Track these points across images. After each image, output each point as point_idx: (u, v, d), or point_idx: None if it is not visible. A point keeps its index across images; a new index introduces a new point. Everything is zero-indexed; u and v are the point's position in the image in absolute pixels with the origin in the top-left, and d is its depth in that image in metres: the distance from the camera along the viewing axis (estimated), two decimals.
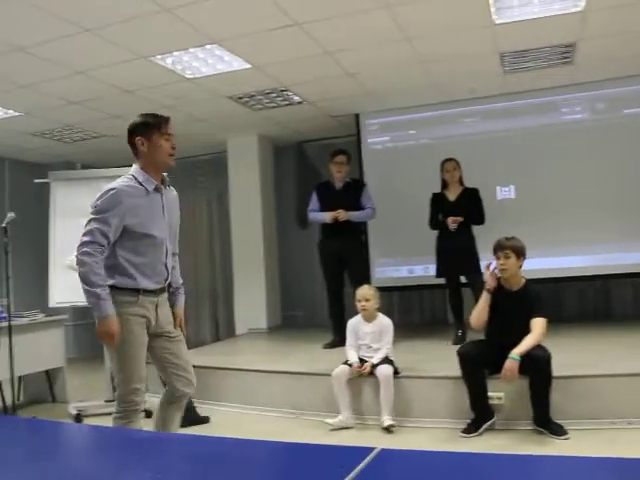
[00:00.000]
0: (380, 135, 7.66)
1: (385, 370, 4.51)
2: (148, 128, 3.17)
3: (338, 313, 6.28)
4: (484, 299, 4.34)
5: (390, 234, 7.23)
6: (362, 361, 4.67)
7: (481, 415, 4.20)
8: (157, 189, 3.23)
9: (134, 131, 3.19)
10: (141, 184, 3.15)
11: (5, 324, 5.10)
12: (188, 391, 3.39)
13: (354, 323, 4.88)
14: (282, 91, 6.42)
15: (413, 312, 8.25)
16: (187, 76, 5.77)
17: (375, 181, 7.37)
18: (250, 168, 8.38)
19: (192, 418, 4.91)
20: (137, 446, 1.62)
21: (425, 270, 7.11)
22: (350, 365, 4.65)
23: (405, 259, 7.35)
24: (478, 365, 4.22)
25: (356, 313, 4.90)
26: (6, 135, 7.59)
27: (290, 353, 6.28)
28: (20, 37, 4.73)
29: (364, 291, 4.88)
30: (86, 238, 3.01)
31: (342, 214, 6.11)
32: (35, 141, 7.95)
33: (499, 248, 4.29)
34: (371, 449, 1.15)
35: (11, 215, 5.14)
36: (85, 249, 2.99)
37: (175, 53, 5.24)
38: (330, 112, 7.38)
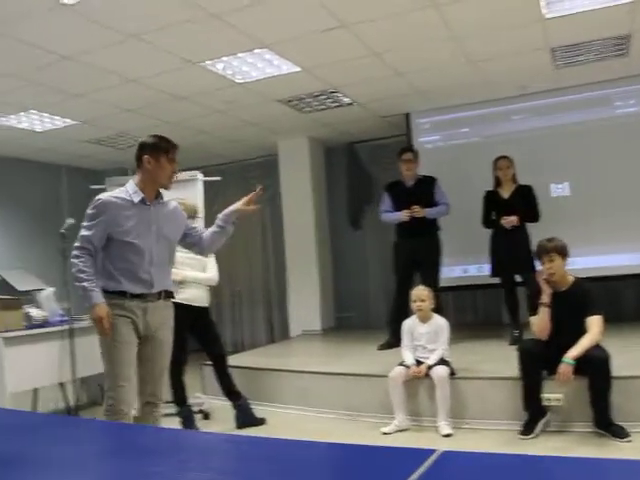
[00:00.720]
0: (431, 134, 7.60)
1: (440, 371, 4.47)
2: (158, 150, 3.43)
3: (400, 315, 6.21)
4: (544, 312, 4.19)
5: (443, 234, 7.15)
6: (418, 362, 4.64)
7: (534, 414, 4.12)
8: (144, 201, 3.42)
9: (144, 148, 3.45)
10: (130, 196, 3.40)
11: (67, 327, 5.23)
12: (152, 400, 3.65)
13: (410, 324, 4.85)
14: (331, 93, 6.43)
15: (467, 312, 8.17)
16: (237, 81, 5.83)
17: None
18: (301, 170, 8.41)
19: (248, 420, 4.96)
20: (195, 447, 1.63)
21: (479, 269, 7.04)
22: (407, 367, 4.62)
23: (459, 259, 7.26)
24: (537, 363, 4.14)
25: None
26: (63, 143, 7.80)
27: (345, 354, 6.28)
28: (74, 47, 4.85)
29: (419, 291, 4.84)
30: (75, 244, 3.36)
31: (419, 211, 6.01)
32: (90, 148, 8.14)
33: (543, 252, 4.16)
34: (432, 451, 1.15)
35: (70, 221, 5.26)
36: (74, 252, 3.33)
37: (225, 58, 5.31)
38: (380, 112, 7.36)
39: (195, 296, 4.93)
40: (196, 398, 5.49)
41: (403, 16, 4.62)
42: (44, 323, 5.49)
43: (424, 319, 4.78)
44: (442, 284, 7.24)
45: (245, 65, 5.49)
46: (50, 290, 5.82)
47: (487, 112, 7.20)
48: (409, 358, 4.67)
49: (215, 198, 9.52)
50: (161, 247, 3.50)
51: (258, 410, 5.11)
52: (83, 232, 3.35)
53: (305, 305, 8.29)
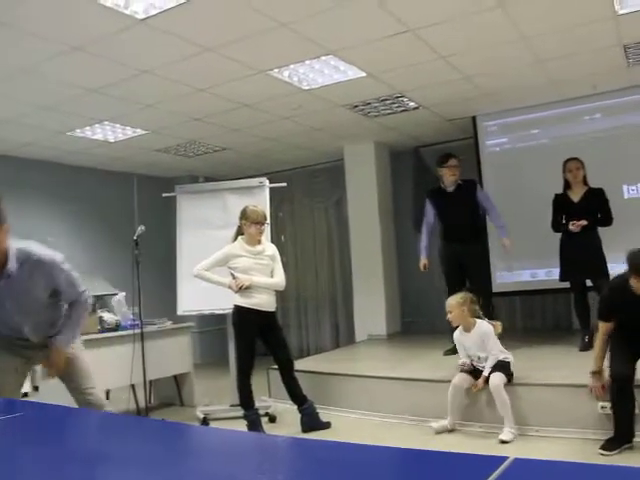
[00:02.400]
0: (498, 137, 7.47)
1: (494, 380, 4.45)
2: None
3: None
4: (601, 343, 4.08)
5: (510, 238, 7.04)
6: (476, 371, 4.64)
7: (624, 435, 3.92)
8: None
9: None
10: None
11: (138, 331, 5.36)
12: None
13: (457, 337, 4.86)
14: (397, 97, 6.41)
15: (536, 317, 8.01)
16: (304, 87, 5.87)
17: (494, 183, 7.23)
18: (367, 174, 8.41)
19: (314, 424, 4.98)
20: (264, 450, 1.64)
21: (548, 274, 6.88)
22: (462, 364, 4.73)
23: (527, 263, 7.12)
24: (632, 385, 3.93)
25: None
26: (134, 152, 8.01)
27: (410, 360, 6.24)
28: (146, 60, 4.99)
29: (447, 302, 4.85)
30: None
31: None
32: (160, 157, 8.34)
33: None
34: (504, 458, 1.13)
35: (142, 228, 5.40)
36: None
37: (291, 66, 5.35)
38: (446, 116, 7.29)
39: (263, 301, 4.99)
40: (262, 401, 5.55)
41: (469, 18, 4.56)
42: (116, 327, 5.66)
43: (466, 329, 4.76)
44: (510, 289, 7.14)
45: (311, 72, 5.52)
46: (122, 295, 5.99)
47: (556, 113, 7.01)
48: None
49: (281, 204, 9.64)
50: (25, 308, 3.38)
51: (323, 414, 5.14)
52: None
53: (371, 310, 8.27)
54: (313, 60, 5.25)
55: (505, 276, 7.27)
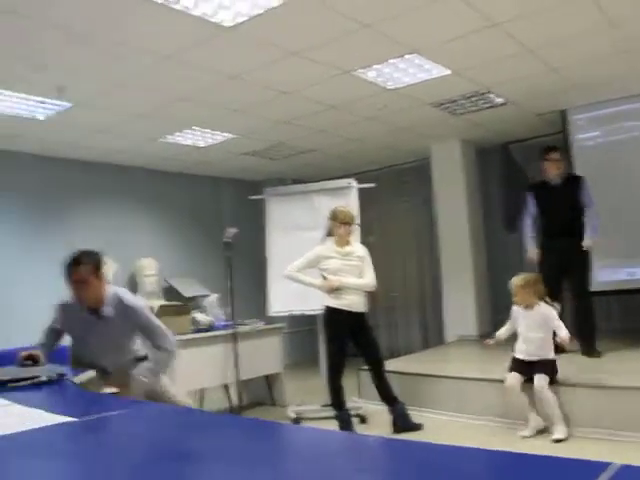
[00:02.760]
0: (590, 130, 7.21)
1: (538, 381, 4.50)
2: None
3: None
4: None
5: (606, 235, 6.78)
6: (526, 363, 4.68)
7: None
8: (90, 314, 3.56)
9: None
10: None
11: (230, 332, 5.48)
12: None
13: (516, 311, 4.92)
14: (483, 94, 6.30)
15: (635, 317, 7.70)
16: (389, 87, 5.86)
17: (587, 178, 7.00)
18: (454, 173, 8.31)
19: (406, 424, 4.96)
20: (358, 450, 1.65)
21: None
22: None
23: (624, 261, 6.86)
24: None
25: None
26: (223, 157, 8.20)
27: (502, 361, 6.10)
28: (234, 66, 5.11)
29: (512, 283, 4.86)
30: None
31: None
32: (248, 160, 8.49)
33: None
34: (606, 464, 1.10)
35: (233, 230, 5.51)
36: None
37: (376, 66, 5.35)
38: (534, 110, 7.11)
39: (353, 302, 5.01)
40: (353, 402, 5.56)
41: (555, 9, 4.43)
42: (209, 327, 5.80)
43: (529, 307, 4.77)
44: (606, 288, 6.88)
45: (396, 71, 5.50)
46: (214, 296, 6.13)
47: None
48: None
49: (369, 204, 9.64)
50: (110, 346, 3.67)
51: (414, 415, 5.10)
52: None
53: (460, 310, 8.16)
54: (397, 59, 5.23)
55: (601, 275, 7.02)
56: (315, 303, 5.35)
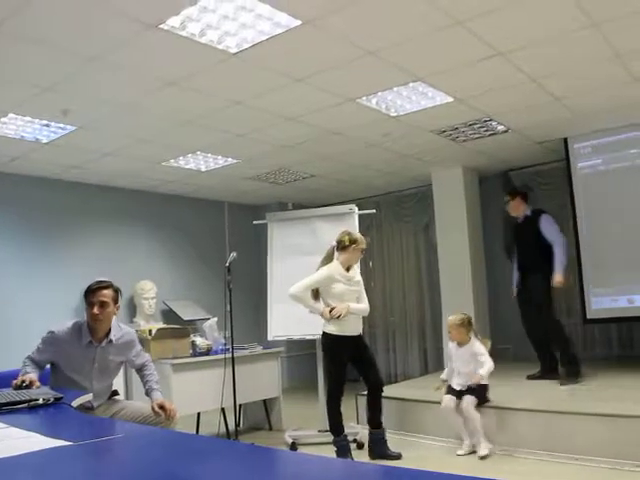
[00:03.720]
0: (591, 158, 7.21)
1: (466, 399, 4.99)
2: (85, 295, 3.79)
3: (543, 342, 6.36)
4: None
5: (606, 262, 6.79)
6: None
7: None
8: (91, 342, 3.75)
9: None
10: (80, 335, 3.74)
11: (229, 356, 5.46)
12: None
13: (451, 348, 5.39)
14: (486, 121, 6.34)
15: (633, 345, 7.67)
16: (391, 114, 5.90)
17: (587, 206, 7.02)
18: (455, 200, 8.32)
19: (384, 452, 4.95)
20: (353, 477, 1.65)
21: None
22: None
23: (623, 288, 6.85)
24: None
25: None
26: (225, 181, 8.23)
27: (501, 387, 6.09)
28: (238, 92, 5.16)
29: (448, 321, 5.37)
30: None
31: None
32: (250, 184, 8.52)
33: None
34: None
35: (233, 254, 5.51)
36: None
37: (379, 93, 5.39)
38: (536, 138, 7.15)
39: (354, 327, 5.03)
40: (351, 428, 5.53)
41: (561, 40, 4.47)
42: (208, 351, 5.78)
43: (461, 344, 5.25)
44: (605, 315, 6.89)
45: (399, 98, 5.54)
46: (213, 320, 6.12)
47: None
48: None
49: (369, 230, 9.67)
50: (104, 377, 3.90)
51: (406, 441, 5.07)
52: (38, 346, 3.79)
53: None
54: (401, 87, 5.27)
55: (600, 302, 7.02)
56: (314, 329, 5.33)
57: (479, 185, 8.69)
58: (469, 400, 4.97)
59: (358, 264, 5.39)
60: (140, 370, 4.04)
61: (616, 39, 4.54)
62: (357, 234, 5.20)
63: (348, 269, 5.10)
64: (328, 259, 5.14)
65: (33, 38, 3.93)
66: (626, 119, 6.55)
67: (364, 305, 5.14)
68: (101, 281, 3.83)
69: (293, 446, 5.51)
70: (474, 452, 4.88)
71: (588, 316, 7.03)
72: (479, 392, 5.04)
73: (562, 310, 8.11)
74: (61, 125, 5.64)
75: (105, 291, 3.75)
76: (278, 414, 6.40)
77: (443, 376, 5.38)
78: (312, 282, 5.02)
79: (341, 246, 5.09)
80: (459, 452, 4.94)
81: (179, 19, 3.84)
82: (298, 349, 8.71)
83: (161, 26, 3.88)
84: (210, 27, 3.99)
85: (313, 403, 6.15)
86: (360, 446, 5.34)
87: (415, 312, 9.42)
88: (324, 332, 5.01)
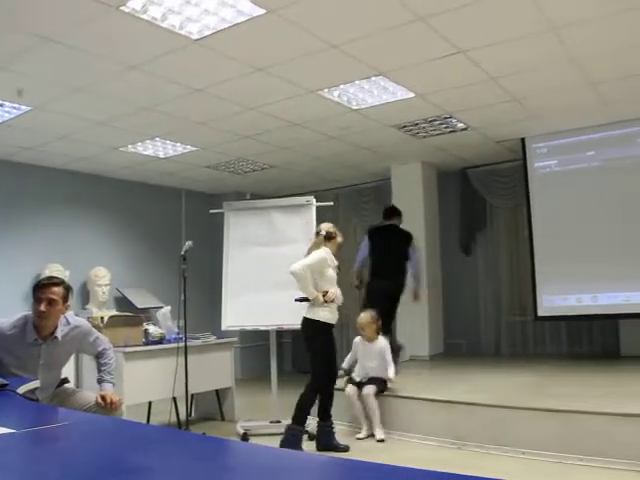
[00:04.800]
0: (547, 159, 7.36)
1: (366, 390, 5.38)
2: (34, 290, 3.61)
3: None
4: None
5: (557, 261, 6.93)
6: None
7: None
8: (36, 340, 3.56)
9: None
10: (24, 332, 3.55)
11: (181, 345, 5.42)
12: None
13: (358, 342, 5.78)
14: (446, 118, 6.40)
15: (582, 343, 7.85)
16: (353, 107, 5.91)
17: (543, 206, 7.15)
18: (414, 195, 8.37)
19: (331, 444, 4.97)
20: (303, 468, 1.64)
21: (593, 299, 6.77)
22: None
23: (573, 287, 7.00)
24: None
25: None
26: (183, 168, 8.15)
27: (452, 382, 6.17)
28: (199, 79, 5.11)
29: (360, 320, 5.75)
30: None
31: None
32: (209, 173, 8.46)
33: None
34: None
35: (189, 243, 5.45)
36: None
37: (341, 86, 5.39)
38: (495, 137, 7.24)
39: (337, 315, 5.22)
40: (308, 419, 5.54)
41: (521, 41, 4.54)
42: (161, 340, 5.72)
43: (370, 340, 5.66)
44: (556, 313, 7.05)
45: (361, 92, 5.56)
46: (167, 308, 6.05)
47: (609, 135, 6.88)
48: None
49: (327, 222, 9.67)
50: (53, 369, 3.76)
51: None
52: None
53: (414, 330, 8.18)
54: (363, 80, 5.28)
55: (551, 300, 7.16)
56: (269, 319, 5.33)
57: (437, 181, 8.76)
58: (369, 390, 5.37)
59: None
60: (97, 357, 3.91)
61: (573, 44, 4.63)
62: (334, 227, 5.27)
63: None
64: (316, 246, 5.11)
65: None
66: (582, 121, 6.69)
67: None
68: (52, 277, 3.71)
69: (244, 437, 5.49)
70: (372, 435, 5.25)
71: (539, 313, 7.17)
72: (379, 383, 5.44)
73: (515, 307, 8.27)
74: (15, 105, 5.51)
75: (55, 288, 3.57)
76: (230, 405, 6.36)
77: (345, 365, 5.78)
78: (312, 262, 4.96)
79: (329, 236, 5.11)
80: (359, 436, 5.27)
81: (140, 2, 3.79)
82: (252, 340, 8.69)
83: (122, 8, 3.82)
84: (172, 12, 3.94)
85: (266, 394, 6.14)
86: (311, 437, 5.35)
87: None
88: (312, 319, 4.97)
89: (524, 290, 7.92)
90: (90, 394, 3.80)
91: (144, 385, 5.36)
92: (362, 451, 4.87)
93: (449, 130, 6.83)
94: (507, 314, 8.40)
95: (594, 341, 7.76)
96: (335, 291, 5.01)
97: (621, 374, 6.05)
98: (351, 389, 5.50)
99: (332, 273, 5.05)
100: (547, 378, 6.10)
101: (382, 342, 5.63)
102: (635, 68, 5.18)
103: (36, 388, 3.36)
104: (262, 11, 3.96)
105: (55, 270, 6.99)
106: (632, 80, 5.43)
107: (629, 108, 6.27)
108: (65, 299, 3.63)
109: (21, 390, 2.86)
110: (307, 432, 5.33)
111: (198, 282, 7.75)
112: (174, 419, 5.76)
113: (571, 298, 7.04)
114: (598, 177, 6.87)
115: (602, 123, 6.73)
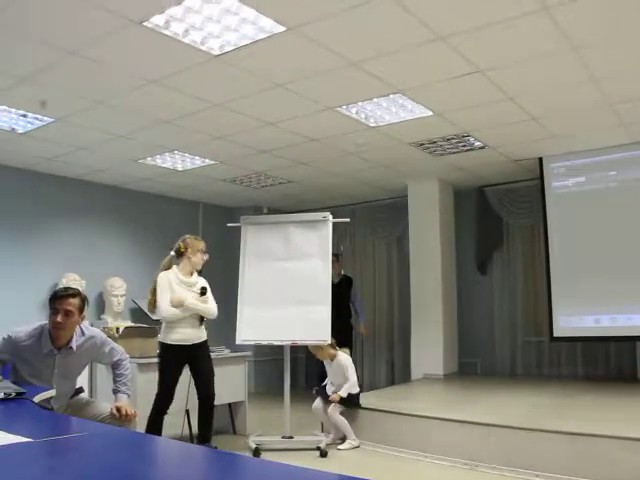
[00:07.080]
0: (565, 179, 7.32)
1: (330, 409, 5.64)
2: (50, 301, 3.64)
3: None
4: None
5: (574, 281, 6.89)
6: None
7: None
8: (52, 351, 3.59)
9: None
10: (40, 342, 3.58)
11: None
12: None
13: (326, 364, 5.93)
14: (464, 137, 6.40)
15: (598, 365, 7.76)
16: (371, 124, 5.93)
17: (560, 226, 7.12)
18: (430, 213, 8.37)
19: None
20: None
21: (612, 320, 6.71)
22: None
23: (591, 308, 6.94)
24: None
25: None
26: (201, 181, 8.20)
27: (467, 401, 6.13)
28: (219, 94, 5.16)
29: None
30: None
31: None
32: (226, 186, 8.50)
33: None
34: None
35: (205, 256, 5.47)
36: None
37: (359, 103, 5.42)
38: (512, 156, 7.23)
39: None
40: (315, 435, 5.51)
41: (540, 60, 4.55)
42: None
43: (331, 360, 5.85)
44: (572, 334, 6.99)
45: (379, 109, 5.58)
46: None
47: (628, 155, 6.82)
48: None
49: (343, 238, 9.70)
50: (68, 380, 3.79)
51: (375, 452, 5.07)
52: None
53: (428, 348, 8.15)
54: (381, 98, 5.30)
55: (568, 320, 7.10)
56: (283, 334, 5.33)
57: (454, 199, 8.76)
58: (334, 408, 5.63)
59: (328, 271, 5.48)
60: (112, 368, 3.94)
61: (593, 64, 4.63)
62: (195, 239, 5.28)
63: (191, 274, 5.16)
64: (164, 268, 5.18)
65: (13, 27, 3.89)
66: (601, 142, 6.67)
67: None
68: (68, 288, 3.74)
69: (256, 451, 5.46)
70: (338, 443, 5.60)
71: (555, 334, 7.12)
72: (348, 400, 5.67)
73: (530, 327, 8.21)
74: (38, 116, 5.59)
75: (72, 299, 3.60)
76: (243, 418, 6.35)
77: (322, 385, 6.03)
78: (160, 296, 5.02)
79: (179, 252, 5.20)
80: (320, 445, 5.37)
81: (163, 18, 3.84)
82: (266, 354, 8.68)
83: (145, 24, 3.88)
84: (194, 28, 3.99)
85: (278, 409, 6.12)
86: (323, 455, 5.32)
87: (385, 323, 9.44)
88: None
89: (540, 310, 7.86)
90: (104, 404, 3.82)
91: None
92: (376, 470, 4.84)
93: (467, 148, 6.83)
94: (523, 334, 8.32)
95: (610, 363, 7.66)
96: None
97: (638, 397, 5.98)
98: (316, 403, 5.84)
99: (184, 292, 5.04)
100: (562, 400, 6.06)
101: (342, 358, 5.82)
102: None
103: (51, 397, 3.36)
104: (283, 28, 4.00)
105: (72, 280, 7.05)
106: None
107: None
108: (81, 310, 3.66)
109: (37, 399, 2.88)
110: (319, 448, 5.32)
111: (214, 295, 7.75)
112: (187, 432, 5.76)
113: (588, 319, 6.97)
114: (616, 198, 6.83)
115: (621, 144, 6.70)
